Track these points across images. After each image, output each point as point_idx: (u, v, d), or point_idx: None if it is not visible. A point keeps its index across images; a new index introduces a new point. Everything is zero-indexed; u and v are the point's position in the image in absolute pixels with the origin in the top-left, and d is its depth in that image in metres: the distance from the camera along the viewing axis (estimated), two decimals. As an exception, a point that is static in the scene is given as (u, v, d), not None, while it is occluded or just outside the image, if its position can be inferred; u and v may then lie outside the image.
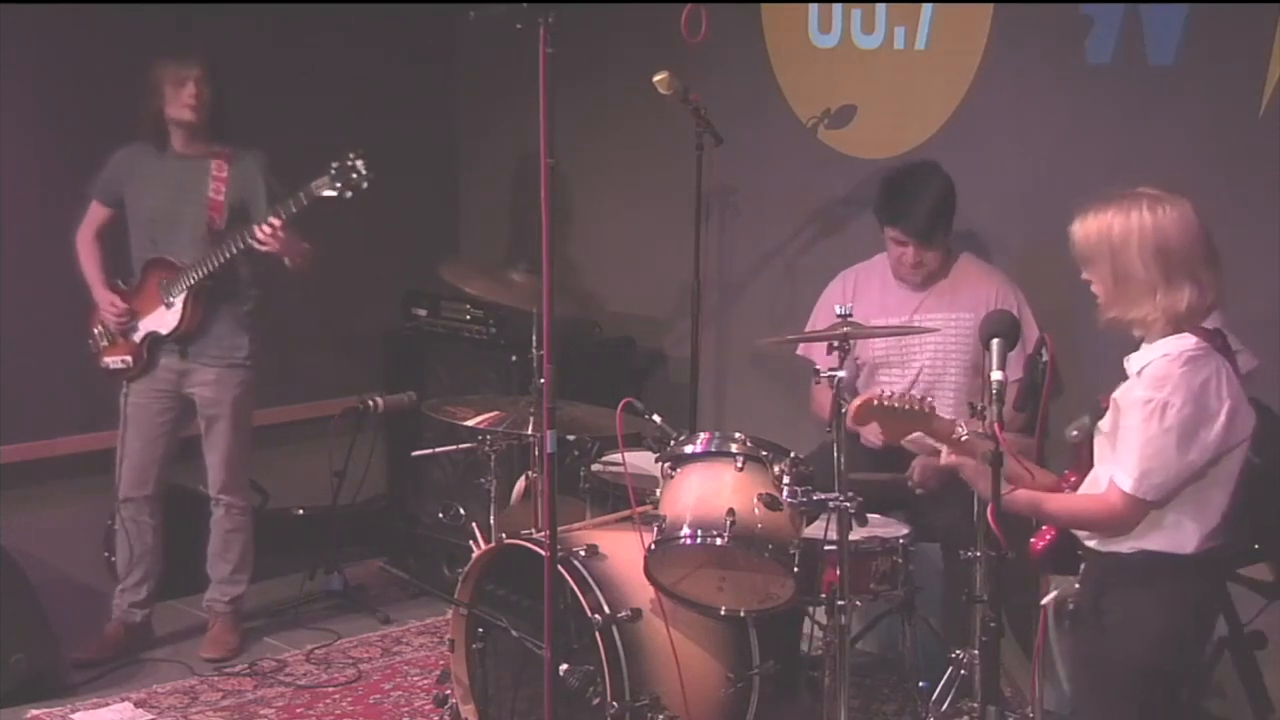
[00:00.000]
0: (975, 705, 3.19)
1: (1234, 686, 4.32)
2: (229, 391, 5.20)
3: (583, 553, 4.09)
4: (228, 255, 4.98)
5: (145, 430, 5.21)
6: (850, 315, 3.92)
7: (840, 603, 3.80)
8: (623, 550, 4.12)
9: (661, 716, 3.94)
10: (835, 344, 3.83)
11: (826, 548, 3.90)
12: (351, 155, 4.85)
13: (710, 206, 5.47)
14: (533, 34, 3.51)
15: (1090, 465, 3.28)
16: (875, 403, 3.31)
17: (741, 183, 5.63)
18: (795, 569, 3.86)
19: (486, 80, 6.39)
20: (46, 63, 5.45)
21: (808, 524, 3.99)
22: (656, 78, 5.05)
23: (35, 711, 4.83)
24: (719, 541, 3.86)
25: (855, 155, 5.29)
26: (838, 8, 5.29)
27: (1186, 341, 3.12)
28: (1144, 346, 3.20)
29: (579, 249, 6.16)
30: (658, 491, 4.11)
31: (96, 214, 5.24)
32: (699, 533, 3.89)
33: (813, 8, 5.37)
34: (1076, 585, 3.32)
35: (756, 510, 3.85)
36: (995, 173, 4.94)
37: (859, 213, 5.11)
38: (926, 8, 5.07)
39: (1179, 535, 3.15)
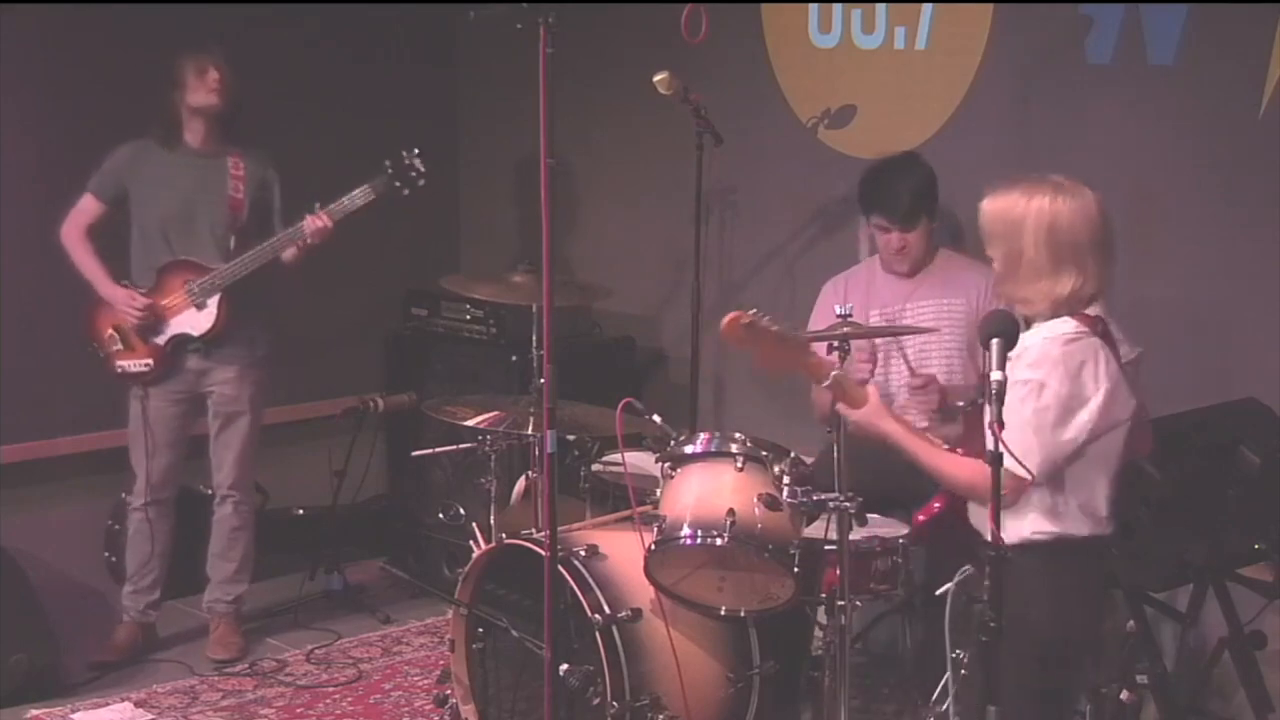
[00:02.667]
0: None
1: (1234, 686, 4.32)
2: (248, 389, 5.20)
3: (583, 553, 4.09)
4: (274, 253, 4.98)
5: (168, 435, 5.17)
6: (850, 315, 3.91)
7: (840, 603, 3.80)
8: (623, 550, 4.12)
9: (661, 716, 3.94)
10: (835, 345, 3.82)
11: (826, 548, 3.90)
12: (406, 153, 4.86)
13: (710, 206, 5.47)
14: (533, 34, 3.51)
15: (977, 437, 3.35)
16: (746, 321, 3.27)
17: (741, 183, 5.63)
18: (795, 569, 3.85)
19: (486, 80, 6.39)
20: (47, 61, 5.45)
21: (808, 524, 3.99)
22: (656, 78, 5.05)
23: (35, 711, 4.84)
24: (719, 541, 3.85)
25: (855, 155, 5.28)
26: (838, 8, 5.29)
27: (1066, 325, 3.23)
28: (1031, 328, 3.30)
29: (579, 249, 6.16)
30: (658, 491, 4.10)
31: (89, 209, 5.07)
32: (699, 533, 3.89)
33: (813, 8, 5.37)
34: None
35: (756, 510, 3.84)
36: (995, 172, 4.91)
37: (859, 212, 5.10)
38: (926, 8, 5.07)
39: (1069, 520, 3.25)
